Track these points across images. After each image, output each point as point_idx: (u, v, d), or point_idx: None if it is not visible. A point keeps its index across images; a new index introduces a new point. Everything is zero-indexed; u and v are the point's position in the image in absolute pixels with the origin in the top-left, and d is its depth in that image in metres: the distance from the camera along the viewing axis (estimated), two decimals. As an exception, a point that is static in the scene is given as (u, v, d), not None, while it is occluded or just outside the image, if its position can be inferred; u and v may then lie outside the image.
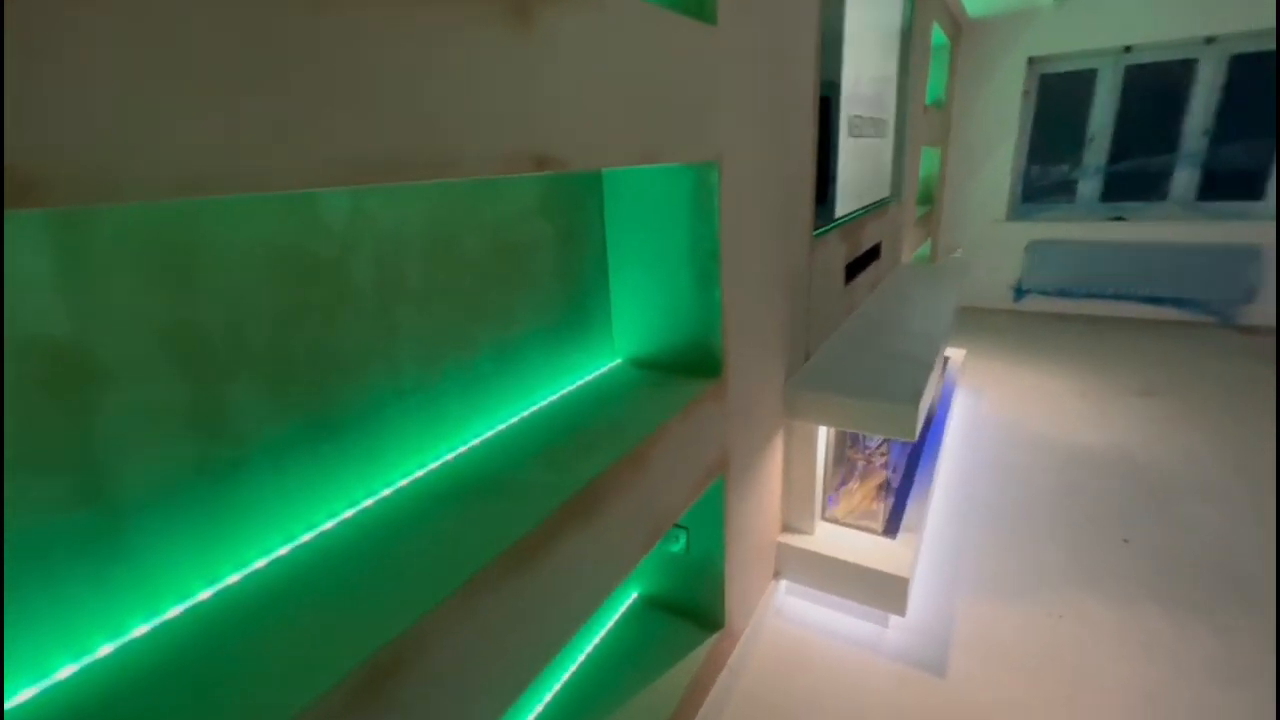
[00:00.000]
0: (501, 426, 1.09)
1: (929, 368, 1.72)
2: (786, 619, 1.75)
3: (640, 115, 0.94)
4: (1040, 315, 4.45)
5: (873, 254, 2.50)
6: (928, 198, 4.41)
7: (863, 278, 2.38)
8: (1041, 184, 4.50)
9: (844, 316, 2.19)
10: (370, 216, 0.82)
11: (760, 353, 1.51)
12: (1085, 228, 4.27)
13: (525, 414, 1.14)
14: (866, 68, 2.19)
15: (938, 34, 3.64)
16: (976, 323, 4.34)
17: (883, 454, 2.12)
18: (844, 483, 2.00)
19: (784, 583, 1.82)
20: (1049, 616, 1.70)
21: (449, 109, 0.63)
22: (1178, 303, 4.10)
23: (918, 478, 2.06)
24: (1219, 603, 1.72)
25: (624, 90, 0.89)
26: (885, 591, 1.63)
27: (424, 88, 0.60)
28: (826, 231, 1.95)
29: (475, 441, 1.04)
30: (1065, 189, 4.40)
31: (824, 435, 1.78)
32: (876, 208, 2.56)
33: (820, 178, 1.84)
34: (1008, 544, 1.98)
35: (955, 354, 3.44)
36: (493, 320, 1.06)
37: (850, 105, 2.05)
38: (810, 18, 1.60)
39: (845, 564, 1.68)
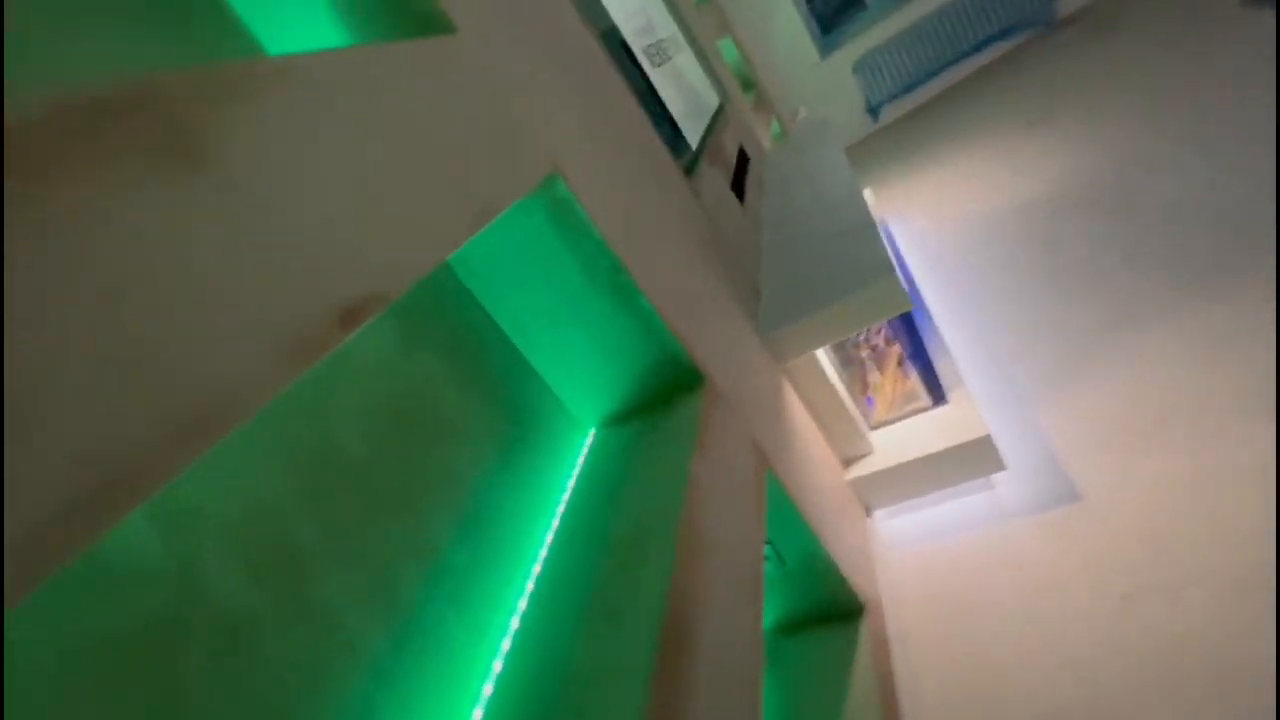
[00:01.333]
0: (521, 604, 0.86)
1: (873, 226, 1.57)
2: (902, 546, 1.58)
3: (434, 175, 0.72)
4: (904, 119, 4.44)
5: (743, 162, 2.36)
6: (749, 85, 4.33)
7: (750, 191, 2.23)
8: (827, 10, 4.48)
9: (760, 234, 2.03)
10: (196, 514, 0.58)
11: (722, 321, 1.32)
12: (887, 24, 4.27)
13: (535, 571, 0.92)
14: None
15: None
16: (862, 160, 4.30)
17: (879, 330, 1.97)
18: (866, 383, 1.85)
19: (878, 513, 1.66)
20: (1128, 372, 1.59)
21: (185, 318, 0.40)
22: (1004, 34, 4.14)
23: (922, 329, 1.93)
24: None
25: (399, 159, 0.67)
26: (974, 458, 1.49)
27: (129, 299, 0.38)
28: (695, 164, 1.77)
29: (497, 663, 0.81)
30: (851, 1, 4.40)
31: (824, 356, 1.61)
32: (718, 118, 2.41)
33: (661, 117, 1.66)
34: (1037, 319, 1.87)
35: (867, 195, 3.35)
36: (436, 496, 0.83)
37: (636, 39, 1.87)
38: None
39: (922, 459, 1.52)
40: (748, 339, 1.45)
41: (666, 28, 2.39)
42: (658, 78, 1.89)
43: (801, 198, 2.17)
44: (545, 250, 1.02)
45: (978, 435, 1.46)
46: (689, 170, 1.70)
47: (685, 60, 2.44)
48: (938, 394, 1.65)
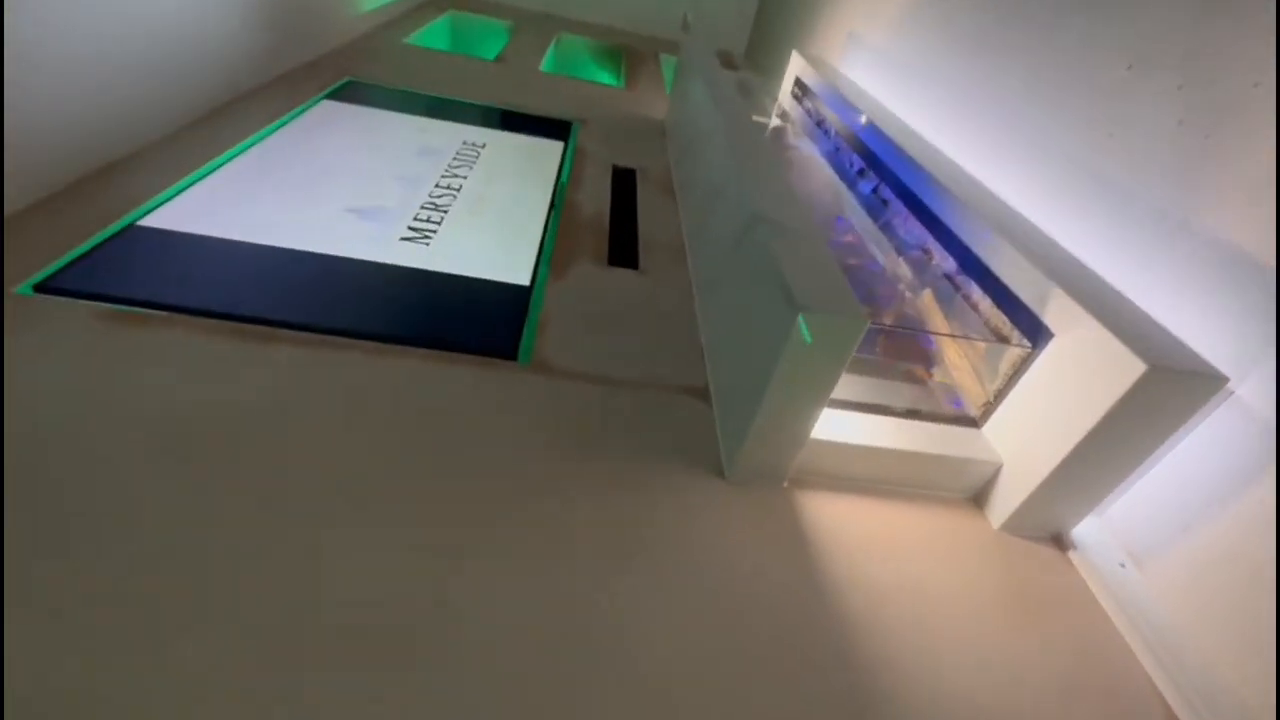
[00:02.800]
0: None
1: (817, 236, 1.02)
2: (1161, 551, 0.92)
3: None
4: None
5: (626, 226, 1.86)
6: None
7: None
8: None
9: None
10: None
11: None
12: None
13: None
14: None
15: None
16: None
17: (890, 258, 1.35)
18: (928, 372, 1.22)
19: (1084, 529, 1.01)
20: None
21: None
22: None
23: (941, 211, 1.29)
24: None
25: None
26: (1164, 394, 0.84)
27: None
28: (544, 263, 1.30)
29: None
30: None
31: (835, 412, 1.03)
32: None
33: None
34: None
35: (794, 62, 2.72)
36: None
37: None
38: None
39: (1088, 437, 0.89)
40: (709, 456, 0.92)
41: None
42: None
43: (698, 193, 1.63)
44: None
45: (1139, 369, 0.81)
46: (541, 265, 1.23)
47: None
48: (1029, 323, 1.01)
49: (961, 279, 1.18)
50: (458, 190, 1.64)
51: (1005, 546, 1.01)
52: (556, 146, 2.05)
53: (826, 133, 1.98)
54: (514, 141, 2.02)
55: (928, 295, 1.18)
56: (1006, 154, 1.43)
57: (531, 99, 2.38)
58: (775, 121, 2.44)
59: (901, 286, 1.33)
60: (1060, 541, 1.03)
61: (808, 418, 0.91)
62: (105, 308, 1.05)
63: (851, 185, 1.70)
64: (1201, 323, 0.92)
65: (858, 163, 1.70)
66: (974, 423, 1.09)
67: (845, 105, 1.90)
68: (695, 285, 1.46)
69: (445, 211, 1.54)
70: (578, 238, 1.56)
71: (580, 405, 1.07)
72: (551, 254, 1.47)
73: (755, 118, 2.39)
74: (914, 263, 1.32)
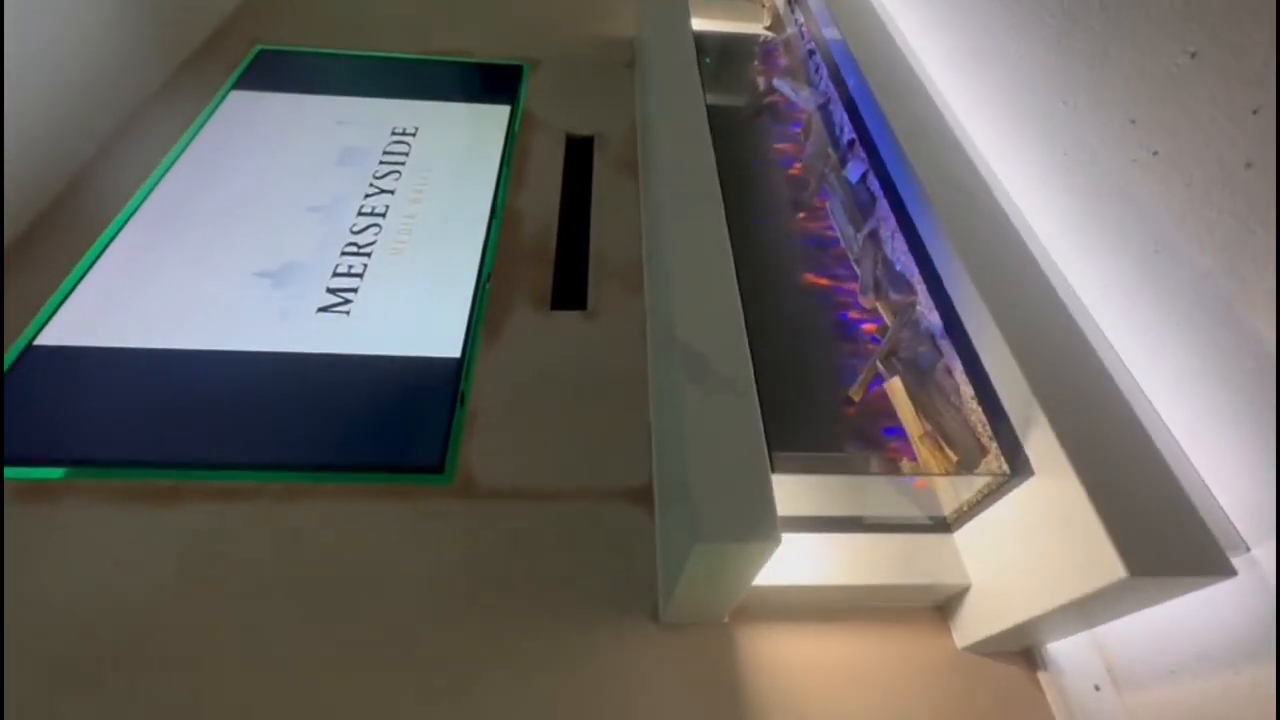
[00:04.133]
0: None
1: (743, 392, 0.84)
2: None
3: None
4: None
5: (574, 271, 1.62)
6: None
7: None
8: None
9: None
10: None
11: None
12: None
13: None
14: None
15: None
16: None
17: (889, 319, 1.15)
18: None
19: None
20: None
21: None
22: None
23: (931, 244, 1.06)
24: None
25: None
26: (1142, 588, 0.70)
27: None
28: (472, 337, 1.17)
29: None
30: None
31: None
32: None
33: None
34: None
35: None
36: None
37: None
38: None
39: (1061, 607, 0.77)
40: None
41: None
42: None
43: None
44: None
45: (1114, 575, 0.67)
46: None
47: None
48: (1012, 441, 0.84)
49: (946, 347, 0.99)
50: (383, 216, 1.45)
51: (967, 669, 0.94)
52: (501, 114, 1.77)
53: (818, 69, 1.62)
54: (450, 116, 1.75)
55: (896, 383, 0.99)
56: (1025, 137, 1.13)
57: (472, 34, 2.02)
58: (763, 32, 2.02)
59: (873, 352, 1.12)
60: (1031, 658, 0.95)
61: (732, 595, 0.82)
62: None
63: (842, 162, 1.41)
64: (1236, 450, 0.75)
65: (849, 128, 1.39)
66: (945, 524, 0.97)
67: (839, 31, 1.53)
68: (649, 327, 1.29)
69: (368, 255, 1.37)
70: (517, 270, 1.38)
71: (505, 534, 1.00)
72: (486, 304, 1.31)
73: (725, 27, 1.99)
74: (895, 308, 1.11)
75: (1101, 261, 0.97)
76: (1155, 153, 0.88)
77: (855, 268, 1.21)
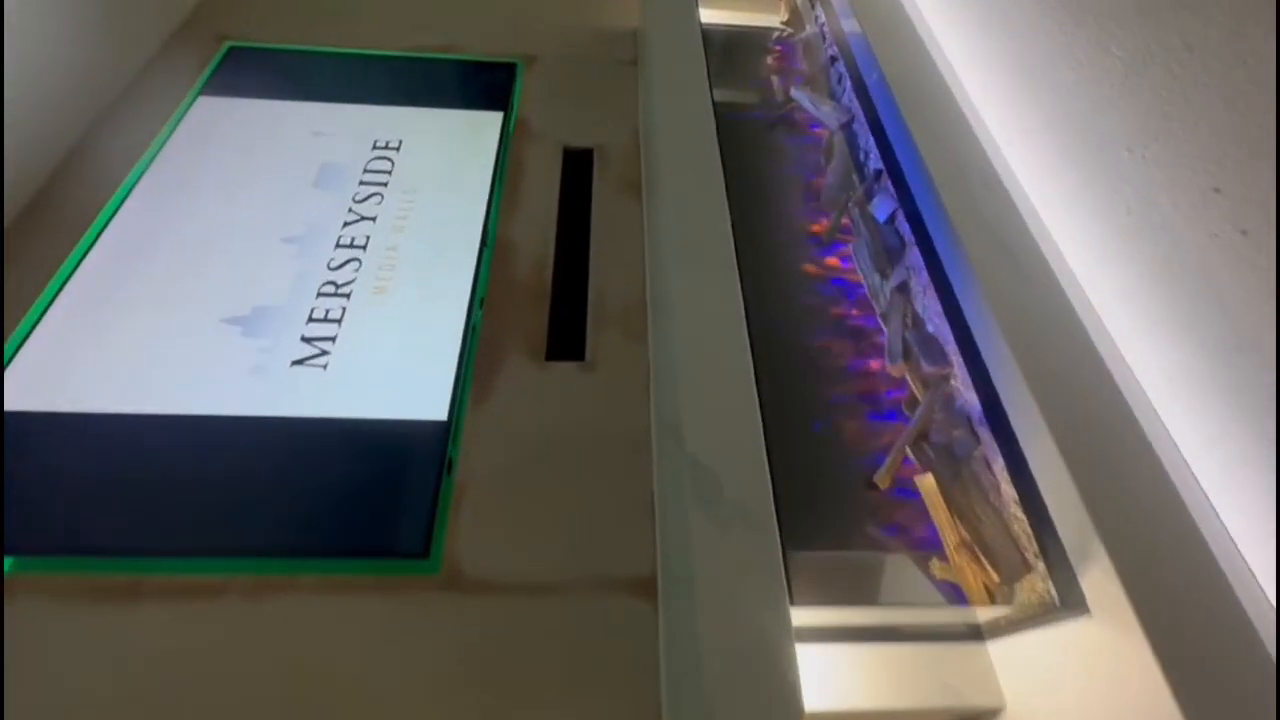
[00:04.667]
0: None
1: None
2: None
3: None
4: None
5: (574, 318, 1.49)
6: None
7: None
8: None
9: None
10: None
11: None
12: None
13: None
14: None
15: None
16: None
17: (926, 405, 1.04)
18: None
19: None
20: None
21: None
22: None
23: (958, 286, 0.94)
24: None
25: None
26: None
27: None
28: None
29: None
30: None
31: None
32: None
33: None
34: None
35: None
36: None
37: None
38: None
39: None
40: None
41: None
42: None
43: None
44: None
45: None
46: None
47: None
48: (1062, 565, 0.74)
49: (984, 435, 0.88)
50: (363, 249, 1.33)
51: (998, 791, 0.86)
52: (493, 122, 1.62)
53: (841, 80, 1.47)
54: (437, 124, 1.60)
55: (929, 483, 0.89)
56: (1080, 183, 1.01)
57: (461, 25, 1.86)
58: (779, 28, 1.84)
59: (902, 432, 1.01)
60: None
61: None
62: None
63: (868, 195, 1.28)
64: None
65: (875, 155, 1.26)
66: (979, 633, 0.89)
67: (864, 39, 1.37)
68: (653, 378, 1.18)
69: (347, 296, 1.26)
70: (510, 313, 1.26)
71: (495, 636, 0.92)
72: (475, 356, 1.20)
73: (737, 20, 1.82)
74: (926, 380, 1.00)
75: (1167, 345, 0.85)
76: (1244, 232, 0.75)
77: (882, 324, 1.10)
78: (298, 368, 1.15)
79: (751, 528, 0.66)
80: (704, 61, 1.58)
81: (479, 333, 1.23)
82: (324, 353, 1.18)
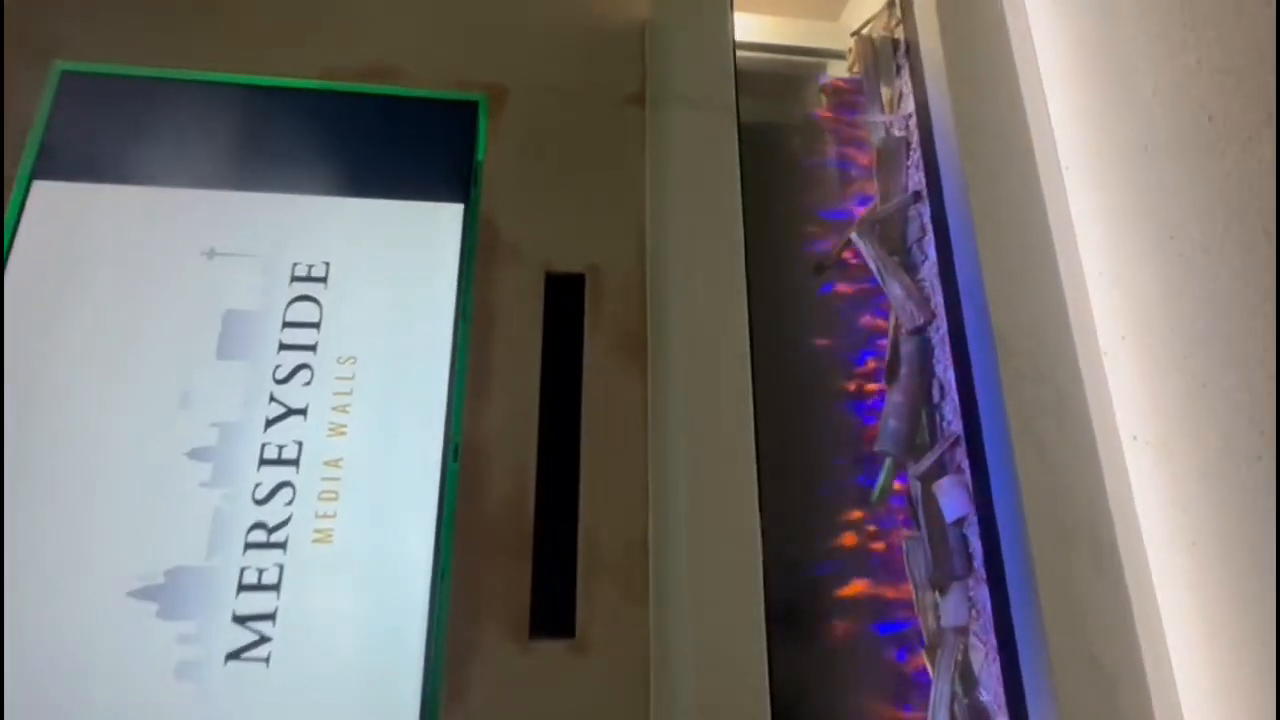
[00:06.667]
0: None
1: None
2: None
3: None
4: None
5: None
6: None
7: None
8: None
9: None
10: None
11: None
12: None
13: None
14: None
15: None
16: None
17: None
18: None
19: None
20: None
21: None
22: None
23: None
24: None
25: None
26: None
27: None
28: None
29: None
30: None
31: None
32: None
33: None
34: None
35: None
36: None
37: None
38: None
39: None
40: None
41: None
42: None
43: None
44: None
45: None
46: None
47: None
48: None
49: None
50: (295, 465, 1.06)
51: None
52: (450, 223, 1.22)
53: (923, 233, 1.09)
54: (374, 231, 1.20)
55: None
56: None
57: (405, 33, 1.31)
58: (831, 54, 1.33)
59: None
60: None
61: None
62: None
63: (940, 467, 1.00)
64: None
65: (955, 414, 0.97)
66: None
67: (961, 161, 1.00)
68: (653, 663, 1.03)
69: (283, 547, 1.02)
70: (483, 569, 1.05)
71: None
72: (445, 632, 1.02)
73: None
74: (941, 586, 0.87)
75: None
76: None
77: (927, 667, 0.93)
78: (234, 663, 0.97)
79: None
80: (736, 150, 1.17)
81: (449, 606, 1.03)
82: (263, 639, 0.98)
